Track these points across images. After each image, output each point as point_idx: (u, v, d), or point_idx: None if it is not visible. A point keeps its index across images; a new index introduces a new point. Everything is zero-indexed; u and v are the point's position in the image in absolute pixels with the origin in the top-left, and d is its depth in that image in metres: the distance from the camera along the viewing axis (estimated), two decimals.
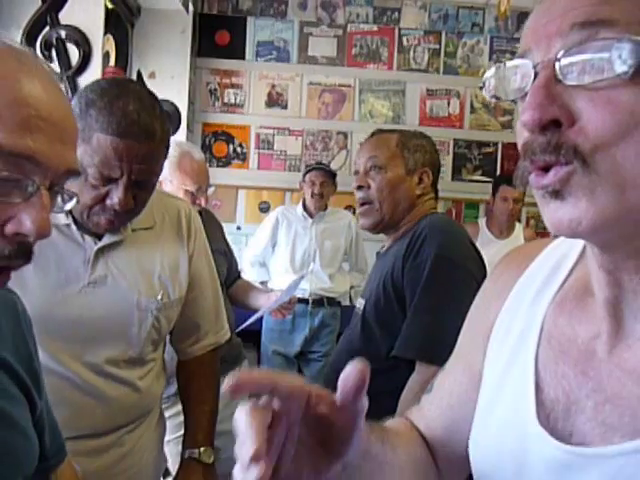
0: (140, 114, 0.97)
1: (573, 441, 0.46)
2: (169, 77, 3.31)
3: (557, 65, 0.41)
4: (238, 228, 3.64)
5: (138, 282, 1.11)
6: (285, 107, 3.75)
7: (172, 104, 3.29)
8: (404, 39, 3.80)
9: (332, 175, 3.02)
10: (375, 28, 3.78)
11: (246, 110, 3.73)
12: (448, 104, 3.83)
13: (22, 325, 0.73)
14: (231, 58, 3.71)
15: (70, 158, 0.57)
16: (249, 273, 2.88)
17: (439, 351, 1.15)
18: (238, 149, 3.71)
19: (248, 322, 1.95)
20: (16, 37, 1.67)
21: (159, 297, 1.13)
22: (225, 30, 3.71)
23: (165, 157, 1.05)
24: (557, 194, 0.43)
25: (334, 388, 1.49)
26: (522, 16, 3.86)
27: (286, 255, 2.95)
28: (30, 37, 1.67)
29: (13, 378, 0.68)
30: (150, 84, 3.10)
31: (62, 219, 1.04)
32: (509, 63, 0.46)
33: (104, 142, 0.95)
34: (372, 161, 1.39)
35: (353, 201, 3.62)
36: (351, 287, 3.10)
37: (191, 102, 3.52)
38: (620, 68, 0.39)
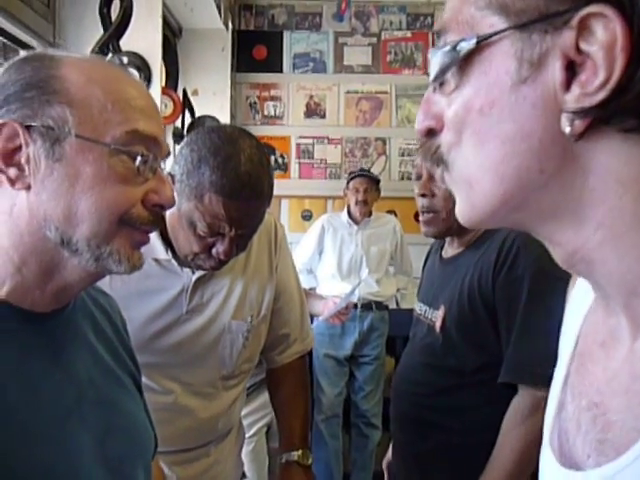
0: (251, 175, 0.99)
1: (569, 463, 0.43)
2: (211, 93, 3.42)
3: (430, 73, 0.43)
4: None
5: (230, 307, 1.15)
6: (323, 116, 3.81)
7: (215, 119, 3.39)
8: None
9: (376, 181, 3.05)
10: (409, 34, 3.82)
11: (286, 121, 3.81)
12: None
13: (118, 323, 0.80)
14: (269, 72, 3.80)
15: (166, 142, 0.70)
16: None
17: (542, 372, 1.09)
18: (279, 160, 3.80)
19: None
20: None
21: (249, 319, 1.18)
22: (262, 45, 3.81)
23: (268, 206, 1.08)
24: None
25: (403, 398, 1.45)
26: None
27: (333, 262, 2.99)
28: None
29: (123, 368, 0.76)
30: (194, 101, 3.22)
31: (163, 254, 1.09)
32: None
33: (216, 202, 0.98)
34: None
35: (394, 205, 3.68)
36: (397, 290, 3.13)
37: (233, 116, 3.62)
38: (433, 75, 0.42)
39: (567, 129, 0.37)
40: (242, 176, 0.98)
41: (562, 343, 0.55)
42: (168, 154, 0.70)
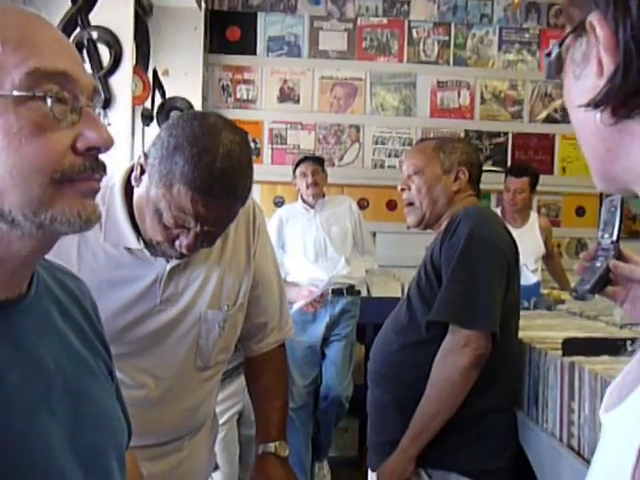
0: (226, 172, 0.94)
1: None
2: (182, 74, 3.33)
3: None
4: None
5: (206, 296, 1.12)
6: (297, 102, 3.77)
7: (185, 101, 3.31)
8: (414, 31, 3.81)
9: (321, 162, 3.09)
10: (385, 21, 3.80)
11: (258, 105, 3.75)
12: (458, 95, 3.84)
13: (88, 307, 0.76)
14: (242, 54, 3.73)
15: (90, 77, 0.61)
16: None
17: (470, 316, 1.34)
18: (252, 144, 3.74)
19: None
20: None
21: (225, 308, 1.14)
22: (236, 26, 3.73)
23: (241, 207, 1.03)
24: None
25: (383, 361, 1.66)
26: (531, 6, 3.87)
27: (299, 249, 3.00)
28: None
29: (95, 354, 0.72)
30: (164, 81, 3.13)
31: (134, 244, 1.04)
32: None
33: (185, 195, 0.94)
34: (413, 166, 1.53)
35: (367, 193, 3.68)
36: (367, 271, 3.13)
37: (204, 98, 3.54)
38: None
39: (597, 116, 0.44)
40: (216, 172, 0.93)
41: None
42: (96, 91, 0.61)
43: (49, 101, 0.54)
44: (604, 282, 0.91)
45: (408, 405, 1.38)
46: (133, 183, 1.03)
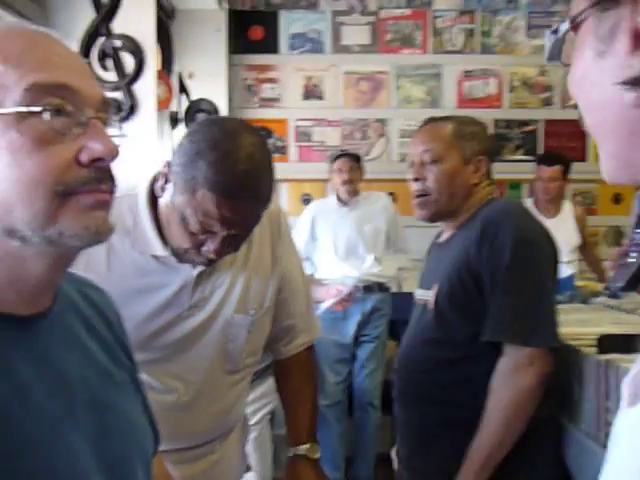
0: (249, 174, 0.95)
1: None
2: (207, 76, 3.36)
3: None
4: None
5: (232, 301, 1.13)
6: (322, 98, 3.75)
7: (211, 103, 3.33)
8: (438, 21, 3.75)
9: (357, 159, 3.04)
10: (408, 12, 3.74)
11: (283, 104, 3.75)
12: (486, 84, 3.77)
13: (112, 318, 0.77)
14: (265, 53, 3.73)
15: (98, 88, 0.61)
16: None
17: (532, 333, 1.21)
18: (278, 143, 3.75)
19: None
20: (72, 49, 1.73)
21: (252, 312, 1.15)
22: (258, 25, 3.73)
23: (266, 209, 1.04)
24: None
25: (404, 376, 1.54)
26: None
27: (330, 246, 2.98)
28: (86, 48, 1.73)
29: (119, 365, 0.73)
30: (190, 84, 3.16)
31: (160, 251, 1.05)
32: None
33: (209, 199, 0.94)
34: (428, 154, 1.36)
35: (394, 187, 3.64)
36: (399, 269, 3.09)
37: (230, 99, 3.56)
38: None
39: (627, 96, 0.42)
40: (238, 174, 0.94)
41: None
42: (105, 102, 0.60)
43: (47, 115, 0.54)
44: (638, 278, 0.87)
45: (457, 429, 1.27)
46: (158, 193, 1.04)
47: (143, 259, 1.06)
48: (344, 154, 3.06)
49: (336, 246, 2.97)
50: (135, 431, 0.72)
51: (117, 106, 1.90)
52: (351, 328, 2.92)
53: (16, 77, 0.54)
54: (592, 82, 0.44)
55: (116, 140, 0.60)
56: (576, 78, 0.46)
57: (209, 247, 0.99)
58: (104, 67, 1.82)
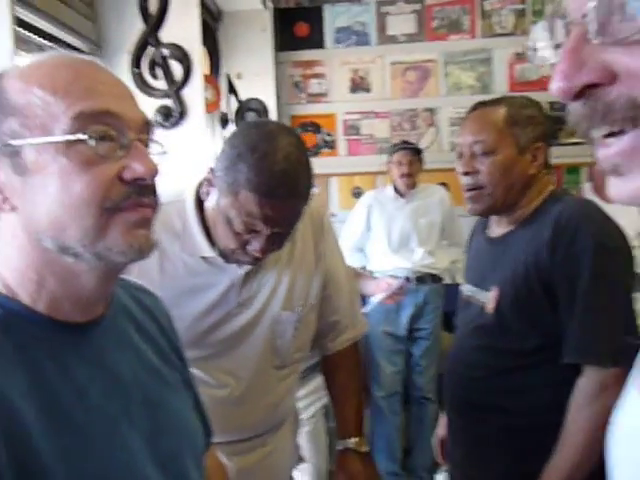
0: (287, 173, 0.99)
1: None
2: (254, 75, 3.41)
3: (587, 21, 0.37)
4: (333, 215, 3.70)
5: (278, 299, 1.17)
6: (369, 90, 3.74)
7: (260, 102, 3.39)
8: (486, 4, 3.65)
9: (418, 152, 3.02)
10: None
11: (331, 98, 3.76)
12: (539, 66, 3.64)
13: (163, 321, 0.82)
14: (311, 49, 3.75)
15: (140, 111, 0.66)
16: (349, 260, 2.94)
17: (620, 352, 1.07)
18: (327, 137, 3.77)
19: (367, 309, 2.00)
20: (123, 61, 1.82)
21: (298, 309, 1.19)
22: (303, 21, 3.75)
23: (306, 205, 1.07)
24: (615, 171, 0.39)
25: (458, 382, 1.48)
26: None
27: (383, 237, 2.98)
28: (137, 59, 1.81)
29: (170, 366, 0.78)
30: (238, 84, 3.22)
31: (208, 252, 1.11)
32: (541, 24, 0.43)
33: (251, 200, 0.99)
34: (479, 145, 1.24)
35: (446, 177, 3.59)
36: (452, 262, 3.06)
37: (278, 97, 3.61)
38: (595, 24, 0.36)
39: None
40: (278, 174, 0.98)
41: None
42: (147, 123, 0.65)
43: (93, 142, 0.59)
44: None
45: (518, 438, 1.21)
46: (203, 198, 1.10)
47: (193, 261, 1.12)
48: (406, 147, 3.03)
49: (390, 237, 2.97)
50: (185, 427, 0.76)
51: (168, 112, 1.98)
52: (405, 320, 2.92)
53: (64, 106, 0.59)
54: None
55: (156, 158, 0.65)
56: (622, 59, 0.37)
57: (254, 246, 1.04)
58: (154, 76, 1.90)
